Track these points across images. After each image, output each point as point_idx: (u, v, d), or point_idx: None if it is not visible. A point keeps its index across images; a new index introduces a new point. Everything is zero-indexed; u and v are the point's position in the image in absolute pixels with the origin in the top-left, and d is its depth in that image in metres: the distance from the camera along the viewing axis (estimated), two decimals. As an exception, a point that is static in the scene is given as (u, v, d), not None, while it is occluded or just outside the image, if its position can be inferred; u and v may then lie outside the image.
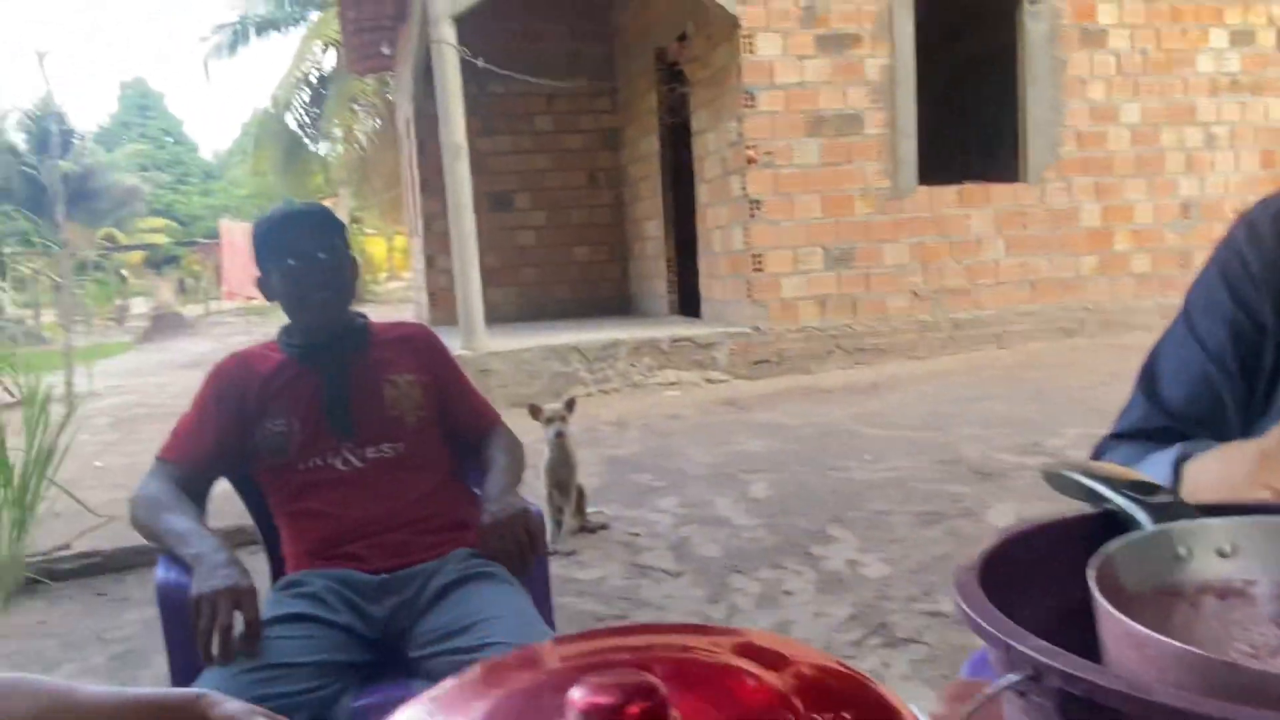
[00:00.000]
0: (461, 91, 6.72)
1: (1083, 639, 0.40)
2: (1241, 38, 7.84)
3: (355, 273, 1.83)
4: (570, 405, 3.80)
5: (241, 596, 1.42)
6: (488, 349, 6.71)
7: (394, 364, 1.81)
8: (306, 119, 18.36)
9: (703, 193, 8.02)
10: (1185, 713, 0.31)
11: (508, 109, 9.74)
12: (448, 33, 6.65)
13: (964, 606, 0.41)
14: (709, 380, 7.15)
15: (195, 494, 1.72)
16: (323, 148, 20.11)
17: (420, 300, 10.77)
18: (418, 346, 1.88)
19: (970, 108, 9.42)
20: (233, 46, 17.85)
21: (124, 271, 25.91)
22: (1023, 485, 4.11)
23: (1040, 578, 0.49)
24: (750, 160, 7.07)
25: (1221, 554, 0.46)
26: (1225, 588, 0.46)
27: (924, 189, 7.35)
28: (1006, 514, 3.67)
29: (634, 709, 0.31)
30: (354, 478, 1.71)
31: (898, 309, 7.37)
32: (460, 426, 1.87)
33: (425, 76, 8.48)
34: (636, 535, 3.77)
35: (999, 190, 7.54)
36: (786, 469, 4.64)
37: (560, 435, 3.71)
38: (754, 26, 6.99)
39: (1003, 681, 0.36)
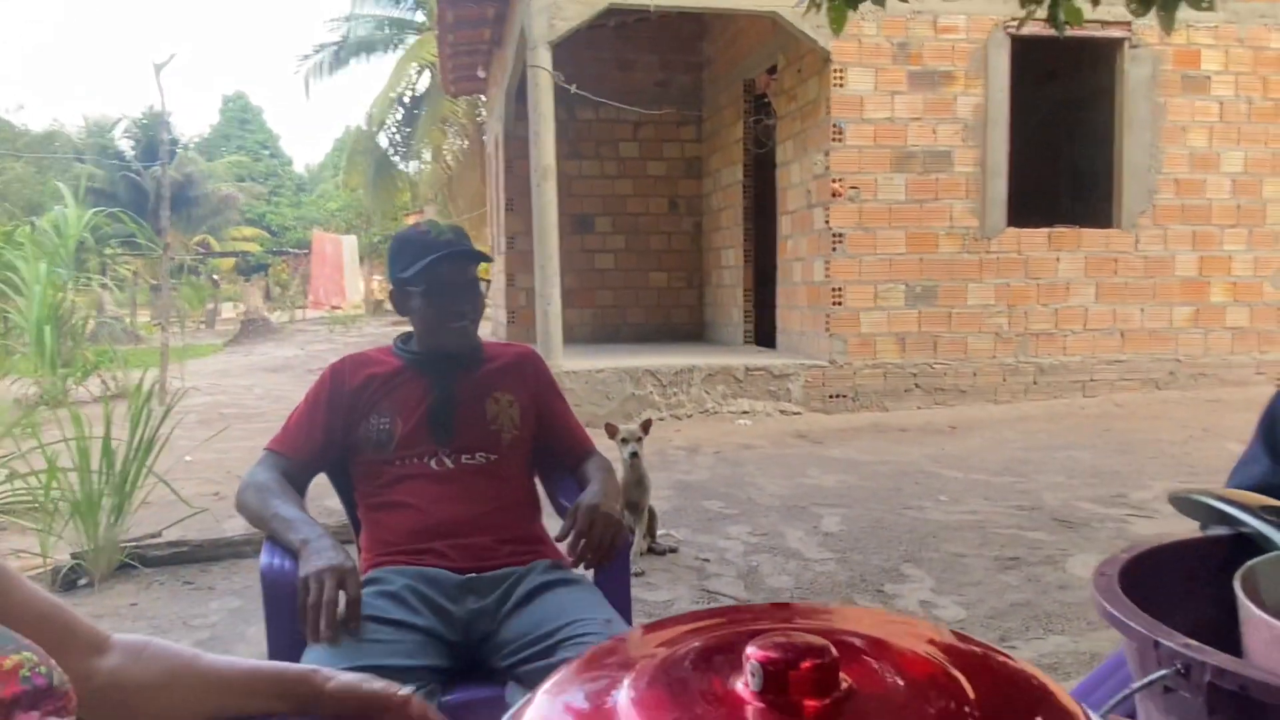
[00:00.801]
0: (553, 115, 6.87)
1: (1218, 647, 0.41)
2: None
3: (483, 307, 1.92)
4: (646, 426, 3.84)
5: (346, 575, 1.48)
6: (563, 368, 6.80)
7: (499, 383, 1.89)
8: (398, 137, 18.93)
9: (784, 224, 8.02)
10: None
11: (595, 134, 9.91)
12: (544, 58, 6.82)
13: (1106, 605, 0.42)
14: (782, 411, 7.12)
15: (298, 485, 1.80)
16: (411, 166, 20.68)
17: (498, 318, 10.97)
18: (524, 371, 1.95)
19: (1064, 150, 9.24)
20: (332, 66, 18.52)
21: (216, 276, 26.92)
22: (1106, 535, 3.99)
23: (1170, 592, 0.50)
24: (835, 193, 7.06)
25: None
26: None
27: (1012, 230, 7.24)
28: (1089, 563, 3.57)
29: (808, 664, 0.33)
30: (445, 477, 1.77)
31: (980, 350, 7.24)
32: (558, 449, 1.95)
33: (517, 99, 8.69)
34: (706, 561, 3.77)
35: (1091, 235, 7.38)
36: (860, 505, 4.58)
37: (635, 456, 3.74)
38: (845, 61, 7.00)
39: (1154, 675, 0.38)
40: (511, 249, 10.13)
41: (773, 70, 8.21)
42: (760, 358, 7.56)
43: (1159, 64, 7.31)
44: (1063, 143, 9.17)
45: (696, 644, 0.38)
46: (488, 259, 1.90)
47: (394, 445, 1.78)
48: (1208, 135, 7.43)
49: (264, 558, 1.65)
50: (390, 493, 1.78)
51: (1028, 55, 7.44)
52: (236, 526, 4.00)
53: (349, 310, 21.55)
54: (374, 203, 20.78)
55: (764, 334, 8.78)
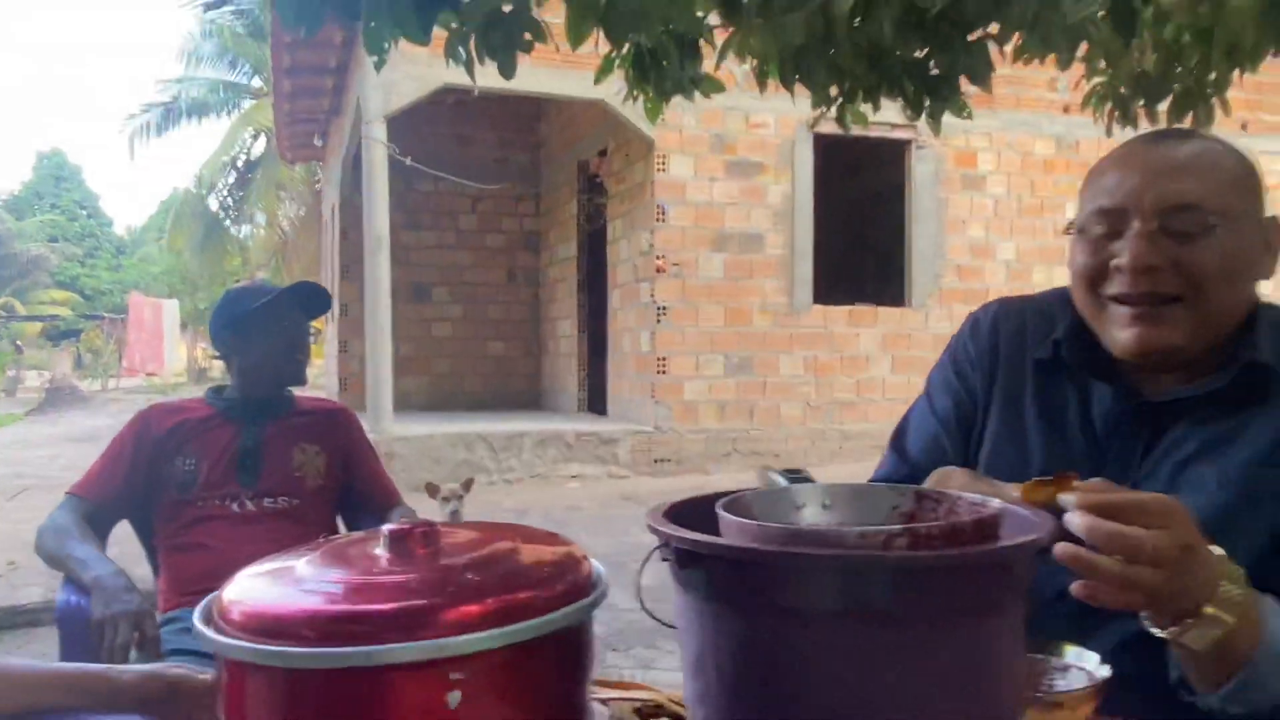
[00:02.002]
0: (388, 186, 7.04)
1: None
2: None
3: (310, 350, 2.05)
4: (468, 485, 3.97)
5: (141, 618, 1.56)
6: (394, 434, 6.84)
7: (308, 435, 2.00)
8: (229, 201, 18.40)
9: (615, 297, 8.41)
10: (735, 550, 0.58)
11: (433, 206, 10.09)
12: (379, 131, 6.99)
13: (648, 521, 0.67)
14: (611, 475, 7.37)
15: (99, 529, 1.87)
16: (243, 230, 20.09)
17: (330, 385, 10.81)
18: (335, 425, 2.07)
19: (868, 236, 10.14)
20: (160, 127, 17.92)
21: (19, 342, 24.97)
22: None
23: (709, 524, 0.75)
24: (659, 269, 7.51)
25: (824, 506, 0.74)
26: (822, 528, 0.73)
27: (819, 307, 7.88)
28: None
29: (419, 530, 0.56)
30: (246, 519, 1.87)
31: (791, 417, 7.78)
32: (365, 500, 2.07)
33: (354, 168, 8.79)
34: (523, 613, 3.92)
35: (886, 313, 8.13)
36: (673, 559, 4.85)
37: (455, 514, 3.86)
38: (668, 148, 7.53)
39: (653, 549, 0.63)
40: (345, 316, 10.07)
41: (603, 153, 8.68)
42: (591, 424, 7.83)
43: (941, 163, 8.23)
44: (866, 230, 10.06)
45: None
46: (327, 298, 2.03)
47: (197, 487, 1.87)
48: (984, 227, 8.38)
49: (60, 595, 1.71)
50: (190, 534, 1.86)
51: (833, 152, 8.22)
52: (32, 595, 3.85)
53: (168, 378, 20.46)
54: (201, 267, 19.99)
55: (597, 401, 9.07)
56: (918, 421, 1.23)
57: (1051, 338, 1.09)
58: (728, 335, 7.66)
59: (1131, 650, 0.87)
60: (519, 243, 10.53)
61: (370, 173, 6.98)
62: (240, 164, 17.72)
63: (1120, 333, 0.99)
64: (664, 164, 7.55)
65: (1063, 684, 0.79)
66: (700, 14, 2.90)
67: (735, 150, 7.72)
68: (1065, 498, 0.76)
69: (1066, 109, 7.74)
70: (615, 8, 2.62)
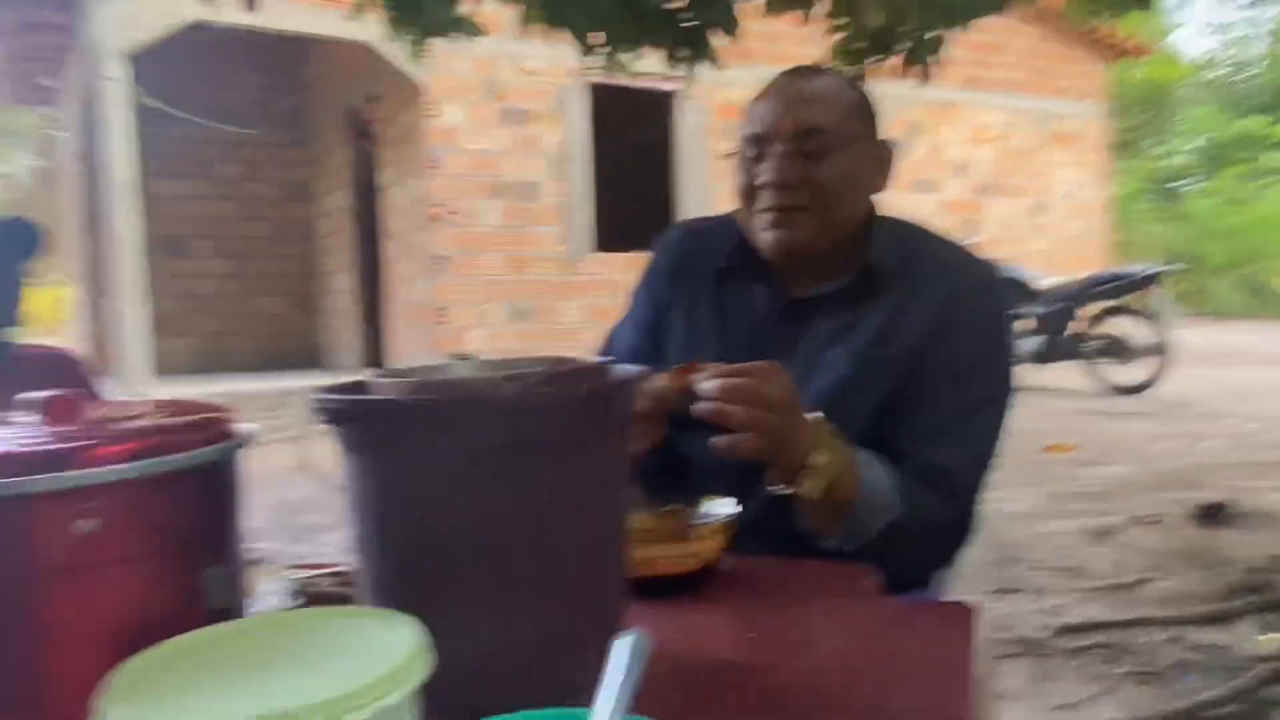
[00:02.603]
0: (134, 131, 6.50)
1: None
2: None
3: (22, 292, 1.91)
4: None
5: None
6: (151, 398, 6.43)
7: (29, 384, 1.89)
8: (-53, 150, 16.27)
9: (391, 248, 8.22)
10: (368, 402, 0.66)
11: (188, 153, 9.39)
12: (115, 69, 6.43)
13: (311, 394, 0.74)
14: (393, 429, 7.29)
15: None
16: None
17: (81, 350, 9.92)
18: (59, 370, 1.96)
19: (645, 187, 10.41)
20: None
21: None
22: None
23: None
24: (433, 217, 7.41)
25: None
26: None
27: (597, 255, 8.06)
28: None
29: (68, 400, 0.61)
30: None
31: (574, 362, 7.96)
32: None
33: (94, 112, 8.03)
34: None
35: (662, 258, 8.43)
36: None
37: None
38: (439, 94, 7.40)
39: (313, 409, 0.70)
40: (93, 277, 9.25)
41: (373, 98, 8.39)
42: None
43: (707, 115, 8.57)
44: (643, 180, 10.33)
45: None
46: (33, 232, 1.87)
47: None
48: (750, 176, 8.83)
49: None
50: None
51: (609, 103, 8.35)
52: None
53: None
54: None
55: (378, 356, 8.87)
56: (619, 333, 1.39)
57: (726, 249, 1.26)
58: (508, 284, 7.69)
59: (770, 509, 1.05)
60: (287, 192, 10.01)
61: (109, 115, 6.42)
62: (-43, 107, 15.65)
63: (764, 235, 1.17)
64: (435, 110, 7.41)
65: (698, 522, 0.94)
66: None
67: (508, 97, 7.69)
68: (695, 375, 0.93)
69: (815, 65, 8.27)
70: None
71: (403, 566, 0.64)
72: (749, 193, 1.18)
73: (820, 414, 1.00)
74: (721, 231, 1.31)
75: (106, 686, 0.45)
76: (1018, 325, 7.56)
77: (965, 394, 1.12)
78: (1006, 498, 4.16)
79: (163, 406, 0.61)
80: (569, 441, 0.65)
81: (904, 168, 9.78)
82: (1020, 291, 7.51)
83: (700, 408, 0.93)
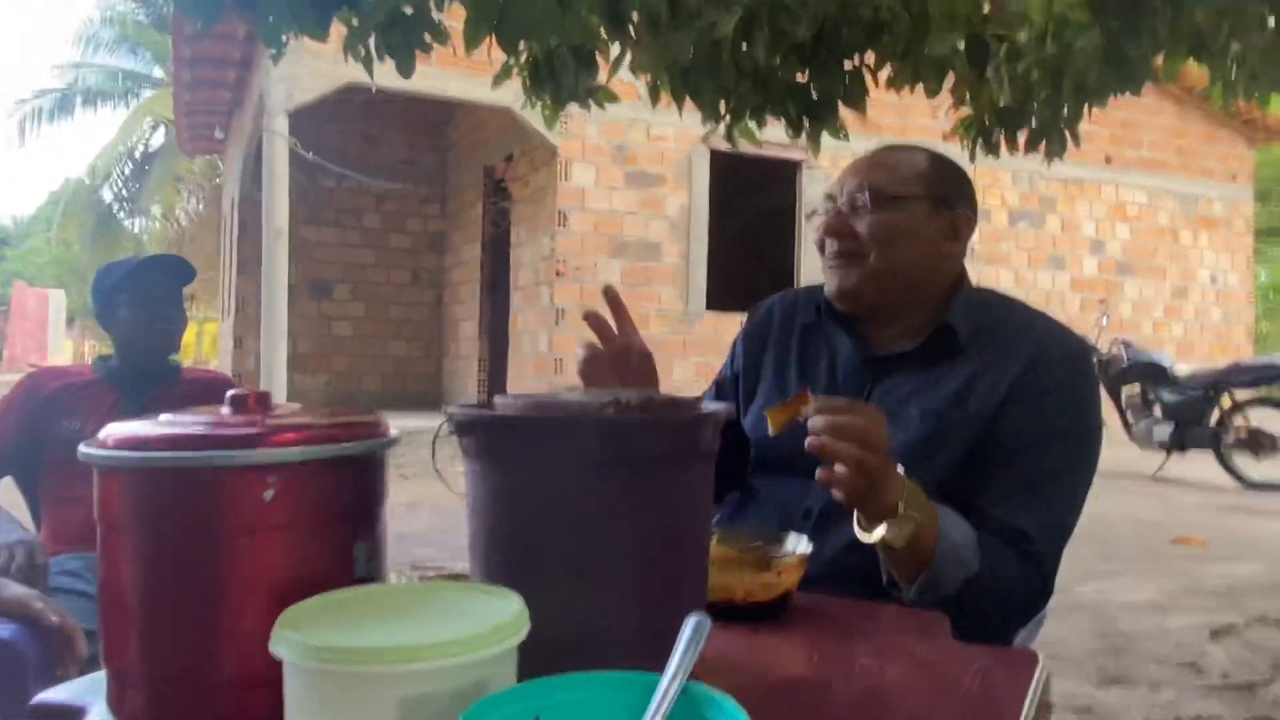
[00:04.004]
0: (289, 180, 7.06)
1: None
2: (980, 215, 9.32)
3: (185, 320, 2.17)
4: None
5: (33, 548, 1.70)
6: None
7: (189, 403, 2.13)
8: (125, 193, 17.86)
9: (516, 299, 8.57)
10: (489, 416, 0.78)
11: (337, 203, 10.08)
12: (280, 124, 7.02)
13: (445, 409, 0.87)
14: (505, 474, 7.52)
15: None
16: (138, 224, 19.50)
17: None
18: (217, 393, 2.20)
19: (763, 251, 10.54)
20: (54, 114, 17.29)
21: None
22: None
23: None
24: (559, 273, 7.71)
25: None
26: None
27: (711, 314, 8.19)
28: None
29: (254, 394, 0.75)
30: None
31: (684, 421, 8.06)
32: None
33: (255, 163, 8.74)
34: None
35: (778, 323, 8.50)
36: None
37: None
38: (571, 156, 7.75)
39: (440, 424, 0.83)
40: (242, 313, 9.95)
41: (509, 158, 8.85)
42: (487, 423, 7.96)
43: (828, 183, 8.65)
44: (761, 244, 10.47)
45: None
46: (190, 269, 2.15)
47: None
48: (871, 245, 8.84)
49: (-53, 538, 1.82)
50: (75, 488, 1.99)
51: (731, 169, 8.56)
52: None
53: (103, 329, 19.63)
54: (92, 259, 19.30)
55: (495, 403, 9.18)
56: (710, 391, 1.51)
57: (811, 296, 1.39)
58: (624, 340, 7.89)
59: (849, 553, 1.11)
60: (423, 243, 10.59)
61: (271, 166, 6.99)
62: (137, 155, 17.23)
63: (827, 283, 1.30)
64: (567, 172, 7.76)
65: (778, 556, 1.03)
66: (595, 26, 3.11)
67: (636, 161, 7.99)
68: (806, 408, 1.01)
69: (945, 137, 8.26)
70: (509, 15, 2.82)
71: (510, 556, 0.75)
72: (820, 246, 1.31)
73: (901, 467, 1.06)
74: (809, 295, 1.42)
75: (279, 620, 0.58)
76: (1155, 411, 7.26)
77: (1047, 461, 1.16)
78: (1125, 587, 4.00)
79: (327, 411, 0.75)
80: (659, 460, 0.75)
81: (1037, 244, 9.58)
82: (1157, 376, 7.23)
83: (809, 442, 0.98)
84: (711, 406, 0.82)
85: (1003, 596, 1.11)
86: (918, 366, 1.25)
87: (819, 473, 1.00)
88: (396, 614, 0.61)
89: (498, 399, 0.84)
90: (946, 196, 1.27)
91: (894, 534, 1.02)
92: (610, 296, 1.29)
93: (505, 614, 0.59)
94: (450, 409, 0.82)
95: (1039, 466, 1.15)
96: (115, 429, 0.69)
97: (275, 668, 0.56)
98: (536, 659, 0.59)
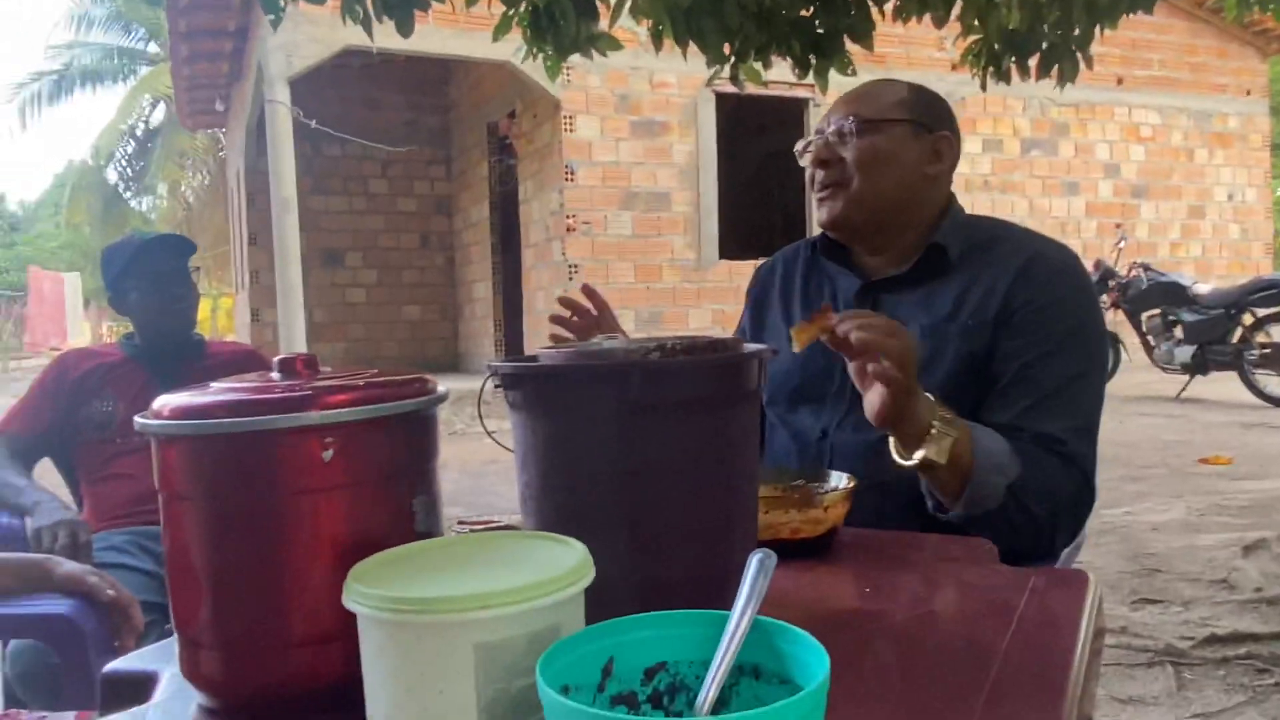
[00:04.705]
0: (293, 149, 7.02)
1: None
2: (992, 144, 9.19)
3: (197, 295, 2.18)
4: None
5: (76, 526, 1.73)
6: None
7: (219, 375, 2.15)
8: (129, 172, 17.83)
9: (528, 257, 8.54)
10: (538, 367, 0.78)
11: (343, 171, 10.03)
12: (281, 93, 6.96)
13: (486, 364, 0.88)
14: (527, 431, 7.57)
15: (26, 463, 2.00)
16: (145, 202, 19.50)
17: (244, 355, 10.71)
18: (248, 365, 2.21)
19: (774, 195, 10.45)
20: (52, 96, 17.21)
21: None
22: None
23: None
24: (570, 229, 7.67)
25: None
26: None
27: (724, 262, 8.15)
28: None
29: (300, 360, 0.75)
30: None
31: (702, 369, 8.07)
32: None
33: (258, 134, 8.69)
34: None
35: (792, 266, 8.46)
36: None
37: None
38: (574, 108, 7.67)
39: (486, 377, 0.83)
40: (255, 284, 9.98)
41: (512, 114, 8.76)
42: (506, 382, 8.00)
43: (839, 121, 8.54)
44: (772, 188, 10.36)
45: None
46: (192, 246, 2.16)
47: (115, 426, 2.01)
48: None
49: (-2, 519, 1.85)
50: (112, 466, 2.01)
51: (737, 112, 8.45)
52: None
53: (119, 314, 19.81)
54: (102, 241, 19.33)
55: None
56: (737, 328, 1.57)
57: (809, 240, 1.44)
58: (638, 291, 7.88)
59: (891, 484, 1.13)
60: (431, 206, 10.55)
61: (274, 136, 6.95)
62: (139, 133, 17.17)
63: (818, 214, 1.34)
64: (571, 124, 7.68)
65: (822, 492, 1.03)
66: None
67: (640, 110, 7.89)
68: (833, 317, 1.01)
69: (954, 67, 8.11)
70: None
71: (562, 504, 0.76)
72: (811, 180, 1.34)
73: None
74: (809, 241, 1.47)
75: (350, 575, 0.58)
76: (1176, 333, 7.22)
77: (1060, 368, 1.19)
78: (1154, 508, 4.01)
79: (373, 371, 0.75)
80: (704, 403, 0.75)
81: (1050, 171, 9.46)
82: (1176, 297, 7.16)
83: (850, 335, 1.00)
84: (754, 347, 0.82)
85: (1048, 495, 1.12)
86: (912, 287, 1.29)
87: (853, 368, 1.03)
88: (463, 565, 0.61)
89: (541, 351, 0.84)
90: (926, 120, 1.30)
91: (934, 450, 1.03)
92: (587, 291, 1.48)
93: (571, 559, 0.59)
94: (493, 363, 0.82)
95: (1054, 374, 1.18)
96: (170, 399, 0.70)
97: (345, 624, 0.57)
98: (596, 606, 0.60)
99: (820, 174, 1.31)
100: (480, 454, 6.87)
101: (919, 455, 1.04)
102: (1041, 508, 1.11)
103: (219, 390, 0.70)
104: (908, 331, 1.03)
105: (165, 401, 0.70)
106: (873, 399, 1.02)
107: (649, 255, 7.92)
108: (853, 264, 1.37)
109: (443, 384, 0.77)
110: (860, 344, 0.99)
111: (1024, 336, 1.20)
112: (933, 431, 1.03)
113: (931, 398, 1.06)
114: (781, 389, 1.36)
